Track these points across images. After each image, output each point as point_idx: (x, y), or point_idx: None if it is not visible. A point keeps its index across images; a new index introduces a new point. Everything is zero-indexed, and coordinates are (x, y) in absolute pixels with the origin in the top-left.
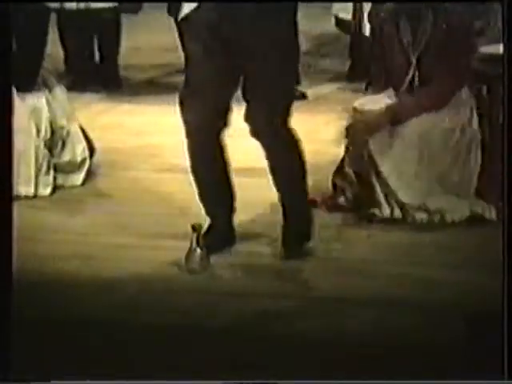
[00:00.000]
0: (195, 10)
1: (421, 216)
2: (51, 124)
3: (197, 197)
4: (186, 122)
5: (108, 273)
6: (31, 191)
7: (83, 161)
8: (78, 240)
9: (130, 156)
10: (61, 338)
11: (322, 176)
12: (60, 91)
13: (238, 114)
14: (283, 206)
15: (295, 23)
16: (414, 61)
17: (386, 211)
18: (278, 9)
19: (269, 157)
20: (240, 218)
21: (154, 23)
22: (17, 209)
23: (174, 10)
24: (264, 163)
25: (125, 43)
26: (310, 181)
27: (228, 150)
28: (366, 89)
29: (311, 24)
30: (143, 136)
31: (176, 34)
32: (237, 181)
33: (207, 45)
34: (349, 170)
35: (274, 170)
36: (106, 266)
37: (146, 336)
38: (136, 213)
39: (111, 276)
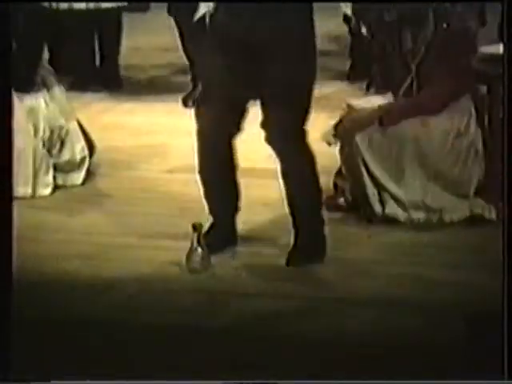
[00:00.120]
0: (212, 11)
1: (418, 215)
2: (49, 123)
3: (198, 196)
4: (199, 124)
5: (108, 273)
6: (29, 192)
7: (83, 160)
8: (78, 240)
9: (131, 156)
10: (61, 337)
11: (322, 176)
12: (59, 90)
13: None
14: (293, 216)
15: (312, 25)
16: (413, 68)
17: (379, 209)
18: (295, 9)
19: (282, 164)
20: (242, 218)
21: (154, 23)
22: (17, 209)
23: (184, 11)
24: (268, 164)
25: (125, 43)
26: None
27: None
28: (367, 89)
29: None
30: (144, 136)
31: (176, 34)
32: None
33: (224, 47)
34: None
35: (285, 178)
36: (106, 265)
37: (146, 336)
38: (136, 213)
39: (111, 276)
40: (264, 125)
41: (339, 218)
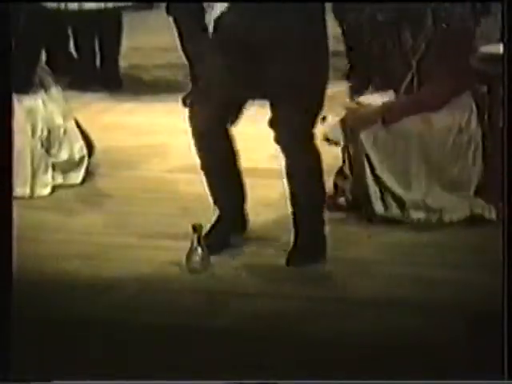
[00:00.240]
0: (225, 10)
1: (418, 215)
2: (47, 123)
3: (198, 196)
4: (194, 122)
5: (108, 273)
6: (27, 192)
7: (81, 159)
8: (78, 240)
9: (131, 156)
10: (61, 338)
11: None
12: (56, 90)
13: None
14: (294, 216)
15: (324, 25)
16: (414, 64)
17: (380, 208)
18: (304, 9)
19: (288, 163)
20: None
21: (154, 23)
22: (16, 209)
23: (183, 11)
24: (269, 164)
25: (125, 43)
26: None
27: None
28: (367, 88)
29: None
30: (144, 136)
31: (176, 34)
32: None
33: (226, 47)
34: (348, 172)
35: (290, 177)
36: (106, 265)
37: (146, 336)
38: (136, 213)
39: (111, 276)
40: (273, 124)
41: (339, 218)
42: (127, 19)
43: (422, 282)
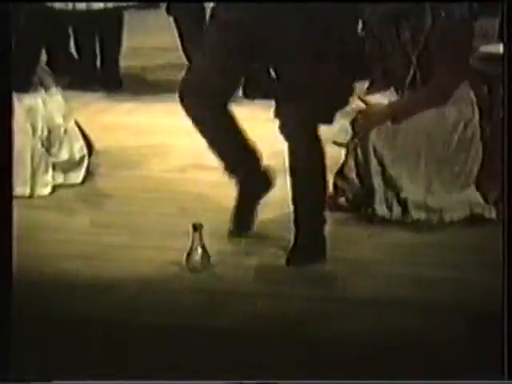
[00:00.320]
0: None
1: (419, 215)
2: (47, 123)
3: (198, 196)
4: (189, 114)
5: (108, 273)
6: (27, 191)
7: (82, 159)
8: (79, 240)
9: (131, 156)
10: (61, 338)
11: None
12: (56, 90)
13: (239, 114)
14: (295, 215)
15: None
16: (414, 60)
17: (383, 210)
18: (309, 6)
19: (291, 157)
20: None
21: (154, 23)
22: (17, 208)
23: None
24: (271, 162)
25: (125, 43)
26: None
27: None
28: (369, 88)
29: None
30: (144, 136)
31: (176, 34)
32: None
33: (225, 43)
34: (348, 172)
35: (293, 172)
36: (106, 265)
37: (146, 336)
38: (136, 213)
39: (111, 276)
40: (277, 113)
41: (339, 218)
42: (127, 19)
43: (422, 281)
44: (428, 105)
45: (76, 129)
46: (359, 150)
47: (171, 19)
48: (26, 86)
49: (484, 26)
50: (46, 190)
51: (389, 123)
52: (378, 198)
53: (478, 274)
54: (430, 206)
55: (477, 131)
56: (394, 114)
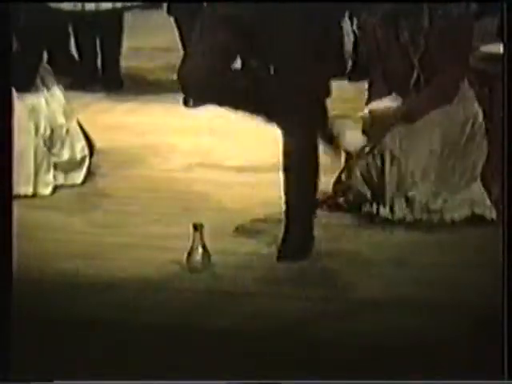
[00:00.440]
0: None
1: (420, 215)
2: (50, 123)
3: (198, 196)
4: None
5: (108, 272)
6: (30, 190)
7: (83, 159)
8: (79, 239)
9: (131, 156)
10: (61, 337)
11: (324, 176)
12: (59, 90)
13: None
14: (287, 213)
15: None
16: (416, 62)
17: (387, 210)
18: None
19: (285, 155)
20: (242, 217)
21: (154, 23)
22: (17, 208)
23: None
24: (268, 162)
25: (125, 43)
26: None
27: (232, 148)
28: (369, 90)
29: None
30: (144, 135)
31: (176, 34)
32: (237, 179)
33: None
34: (349, 175)
35: (287, 171)
36: (106, 265)
37: (146, 336)
38: (136, 213)
39: (111, 276)
40: (276, 114)
41: (339, 218)
42: (128, 19)
43: (422, 282)
44: (432, 106)
45: (78, 129)
46: (374, 153)
47: (172, 19)
48: (29, 86)
49: (484, 26)
50: (47, 190)
51: (403, 125)
52: (386, 198)
53: (478, 275)
54: (434, 206)
55: (482, 129)
56: (406, 115)
